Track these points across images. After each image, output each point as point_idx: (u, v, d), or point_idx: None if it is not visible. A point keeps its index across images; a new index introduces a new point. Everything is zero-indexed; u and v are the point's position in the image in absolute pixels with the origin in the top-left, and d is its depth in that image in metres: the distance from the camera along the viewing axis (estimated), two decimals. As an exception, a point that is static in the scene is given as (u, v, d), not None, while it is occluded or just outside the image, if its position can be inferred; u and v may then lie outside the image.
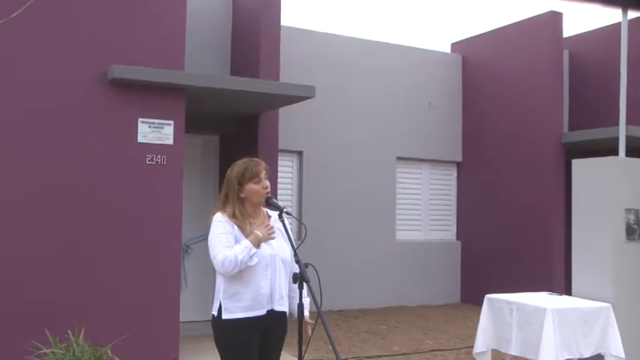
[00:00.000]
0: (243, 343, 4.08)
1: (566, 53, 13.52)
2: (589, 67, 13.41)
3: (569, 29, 13.39)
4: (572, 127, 13.35)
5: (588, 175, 7.33)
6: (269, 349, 4.20)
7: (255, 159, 4.29)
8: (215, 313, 4.16)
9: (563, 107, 12.52)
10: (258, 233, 4.09)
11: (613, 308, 6.67)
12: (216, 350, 4.19)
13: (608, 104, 12.69)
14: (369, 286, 12.37)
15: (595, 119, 12.61)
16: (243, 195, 4.18)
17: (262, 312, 4.10)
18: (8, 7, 5.73)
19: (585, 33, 13.74)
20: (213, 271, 4.23)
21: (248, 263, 4.02)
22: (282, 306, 4.18)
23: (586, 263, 7.18)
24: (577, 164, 7.53)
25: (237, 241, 4.07)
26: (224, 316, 4.09)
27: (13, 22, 5.63)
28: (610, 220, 7.00)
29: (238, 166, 4.22)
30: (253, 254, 4.03)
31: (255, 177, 4.16)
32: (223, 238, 4.07)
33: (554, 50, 12.19)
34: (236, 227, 4.12)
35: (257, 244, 4.06)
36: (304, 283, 3.88)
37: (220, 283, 4.16)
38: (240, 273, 4.04)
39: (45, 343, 5.92)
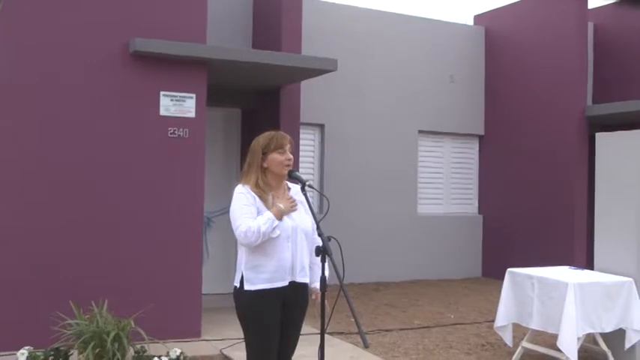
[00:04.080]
0: (265, 314, 4.11)
1: (590, 25, 13.33)
2: (614, 39, 13.22)
3: (594, 1, 13.20)
4: (596, 100, 13.20)
5: (612, 149, 7.25)
6: (291, 320, 4.24)
7: (282, 132, 4.32)
8: (237, 284, 4.18)
9: (587, 80, 12.34)
10: (281, 205, 4.11)
11: (635, 283, 6.63)
12: (238, 322, 4.23)
13: (632, 77, 12.55)
14: (390, 260, 12.39)
15: (619, 92, 12.46)
16: (265, 165, 4.20)
17: (284, 283, 4.13)
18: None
19: (610, 5, 13.52)
20: (235, 244, 4.24)
21: (270, 235, 4.05)
22: (303, 277, 4.22)
23: (608, 238, 7.14)
24: (601, 138, 7.45)
25: (259, 213, 4.09)
26: (246, 287, 4.12)
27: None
28: (633, 195, 6.93)
29: (264, 136, 4.27)
30: (276, 226, 4.05)
31: (279, 148, 4.19)
32: (246, 209, 4.09)
33: (578, 22, 12.00)
34: (258, 199, 4.13)
35: (279, 217, 4.08)
36: (327, 256, 3.89)
37: (242, 254, 4.18)
38: (263, 244, 4.06)
39: (69, 315, 6.00)
